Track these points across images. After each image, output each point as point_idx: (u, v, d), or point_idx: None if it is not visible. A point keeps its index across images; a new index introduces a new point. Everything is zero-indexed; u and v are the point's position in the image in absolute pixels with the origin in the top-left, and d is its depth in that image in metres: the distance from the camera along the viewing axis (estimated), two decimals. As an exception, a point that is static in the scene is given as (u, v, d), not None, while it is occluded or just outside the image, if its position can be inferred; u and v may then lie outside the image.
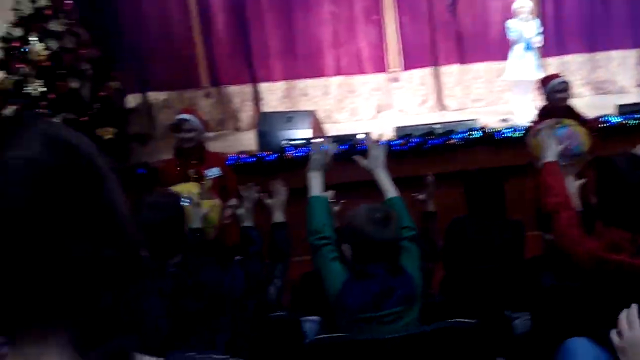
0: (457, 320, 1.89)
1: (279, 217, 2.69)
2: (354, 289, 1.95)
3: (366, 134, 2.55)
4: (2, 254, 0.55)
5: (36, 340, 0.59)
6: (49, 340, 0.59)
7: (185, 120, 3.63)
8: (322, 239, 2.16)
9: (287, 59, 6.64)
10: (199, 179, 3.40)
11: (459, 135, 4.89)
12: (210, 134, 5.44)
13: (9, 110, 4.79)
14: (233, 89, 6.65)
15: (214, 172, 3.55)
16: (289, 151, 4.80)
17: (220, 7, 6.55)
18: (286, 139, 4.98)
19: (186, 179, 3.32)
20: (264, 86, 6.65)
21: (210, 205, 2.78)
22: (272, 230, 2.66)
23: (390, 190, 2.35)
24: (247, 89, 6.66)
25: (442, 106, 6.77)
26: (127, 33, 6.28)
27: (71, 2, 5.12)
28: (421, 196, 2.94)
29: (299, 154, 4.74)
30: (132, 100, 6.05)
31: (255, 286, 2.33)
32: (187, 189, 2.79)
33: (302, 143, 4.87)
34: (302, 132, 5.11)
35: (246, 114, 6.66)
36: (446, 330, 1.84)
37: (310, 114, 5.49)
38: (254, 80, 6.64)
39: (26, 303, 0.57)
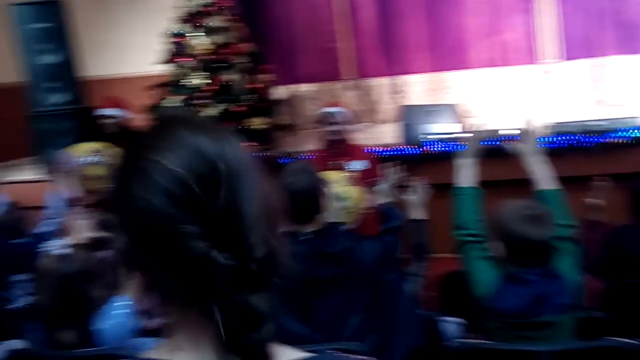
0: (619, 339, 1.73)
1: (418, 213, 2.66)
2: (504, 292, 1.84)
3: (519, 121, 2.40)
4: (140, 251, 0.63)
5: (186, 331, 0.65)
6: (197, 334, 0.65)
7: (333, 113, 3.73)
8: (468, 235, 2.04)
9: (430, 50, 6.50)
10: (343, 171, 3.47)
11: (622, 134, 4.46)
12: (354, 127, 5.53)
13: (174, 100, 5.29)
14: (375, 82, 6.67)
15: (357, 165, 3.61)
16: (429, 145, 4.72)
17: (364, 0, 6.60)
18: (427, 133, 4.90)
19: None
20: (406, 78, 6.59)
21: (353, 192, 2.81)
22: (411, 227, 2.63)
23: (545, 180, 2.07)
24: (389, 81, 6.65)
25: (602, 101, 6.20)
26: (277, 28, 6.58)
27: (232, -1, 5.49)
28: (597, 201, 2.60)
29: (440, 149, 4.65)
30: (280, 92, 6.35)
31: (390, 259, 2.28)
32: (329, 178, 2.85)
33: (444, 137, 4.76)
34: (444, 126, 4.99)
35: (388, 107, 6.66)
36: (606, 349, 1.69)
37: (453, 107, 5.34)
38: (397, 72, 6.60)
39: (171, 298, 0.64)
